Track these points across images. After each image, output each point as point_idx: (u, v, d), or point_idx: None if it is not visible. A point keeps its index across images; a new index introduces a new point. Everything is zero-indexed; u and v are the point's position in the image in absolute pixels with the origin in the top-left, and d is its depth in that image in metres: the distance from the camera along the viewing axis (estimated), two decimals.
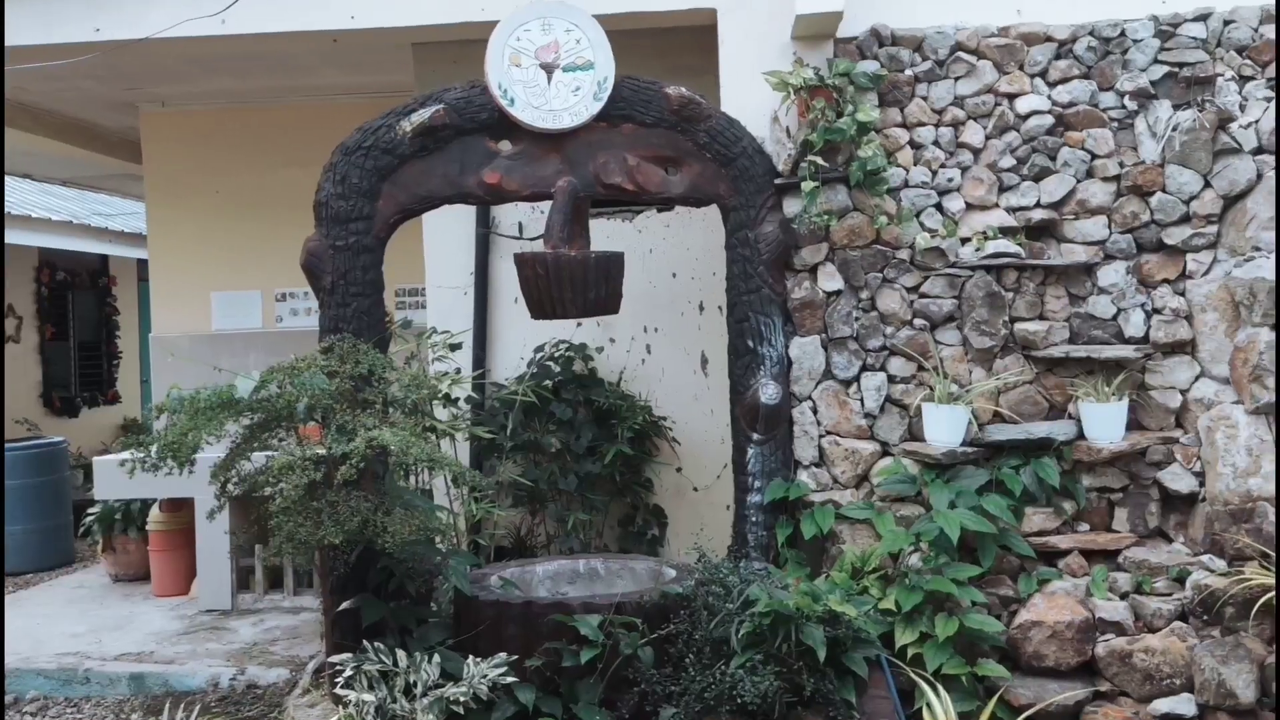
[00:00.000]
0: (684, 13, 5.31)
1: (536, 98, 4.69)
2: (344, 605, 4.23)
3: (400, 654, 3.97)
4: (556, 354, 5.85)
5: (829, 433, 4.93)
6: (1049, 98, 4.89)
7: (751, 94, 5.02)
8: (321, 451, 3.97)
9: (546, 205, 4.81)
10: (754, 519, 4.87)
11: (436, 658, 3.97)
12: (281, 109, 8.21)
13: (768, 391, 4.82)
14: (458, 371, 5.48)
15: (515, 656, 4.00)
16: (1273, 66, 4.69)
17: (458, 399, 5.42)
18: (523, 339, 5.94)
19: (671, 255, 5.99)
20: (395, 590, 4.31)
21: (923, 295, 4.90)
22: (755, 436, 4.88)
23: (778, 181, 4.88)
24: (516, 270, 4.70)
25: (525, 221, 6.04)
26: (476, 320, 6.02)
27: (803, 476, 4.91)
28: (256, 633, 6.50)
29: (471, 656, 3.98)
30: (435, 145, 4.73)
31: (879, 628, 4.27)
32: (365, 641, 4.00)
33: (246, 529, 6.65)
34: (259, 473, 4.09)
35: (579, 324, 5.88)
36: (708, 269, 5.84)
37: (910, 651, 4.30)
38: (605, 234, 5.89)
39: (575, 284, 4.59)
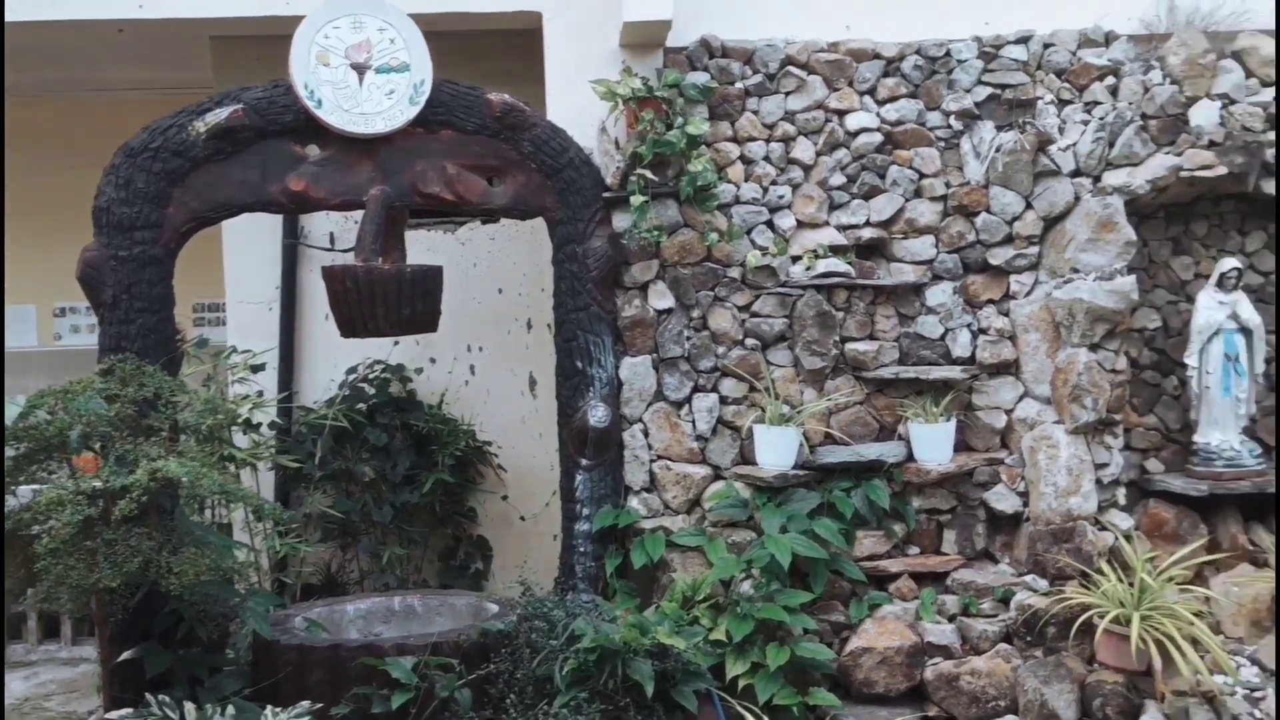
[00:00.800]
0: (508, 15, 5.30)
1: (347, 100, 4.59)
2: (124, 655, 4.01)
3: (189, 707, 3.78)
4: (371, 375, 5.73)
5: (660, 456, 4.98)
6: (878, 115, 5.10)
7: (579, 103, 5.05)
8: (98, 484, 3.76)
9: (360, 215, 4.71)
10: (582, 549, 4.87)
11: (230, 709, 3.80)
12: (61, 104, 7.77)
13: (597, 414, 4.83)
14: (260, 394, 5.29)
15: (320, 704, 3.87)
16: (1090, 90, 5.02)
17: (260, 424, 5.23)
18: (334, 359, 5.79)
19: (497, 270, 5.96)
20: (185, 637, 4.12)
21: (754, 314, 5.02)
22: (584, 461, 4.89)
23: (606, 195, 4.92)
24: (325, 284, 4.58)
25: (338, 232, 5.91)
26: (283, 338, 5.83)
27: (633, 503, 4.94)
28: (28, 687, 6.10)
29: (270, 707, 3.83)
30: (234, 148, 4.57)
31: (710, 659, 4.33)
32: (149, 695, 3.80)
33: (14, 571, 6.22)
34: (24, 509, 3.84)
35: (396, 343, 5.77)
36: (536, 284, 5.83)
37: (742, 683, 4.37)
38: (425, 246, 5.82)
39: (389, 300, 4.51)
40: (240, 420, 4.75)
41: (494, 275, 5.94)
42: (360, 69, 4.61)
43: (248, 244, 5.83)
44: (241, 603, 4.15)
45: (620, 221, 4.93)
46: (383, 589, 5.33)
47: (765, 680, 4.34)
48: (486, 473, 5.88)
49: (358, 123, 4.61)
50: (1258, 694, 4.24)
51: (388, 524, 5.47)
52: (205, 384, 5.15)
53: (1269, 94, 4.90)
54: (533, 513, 5.90)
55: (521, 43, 5.50)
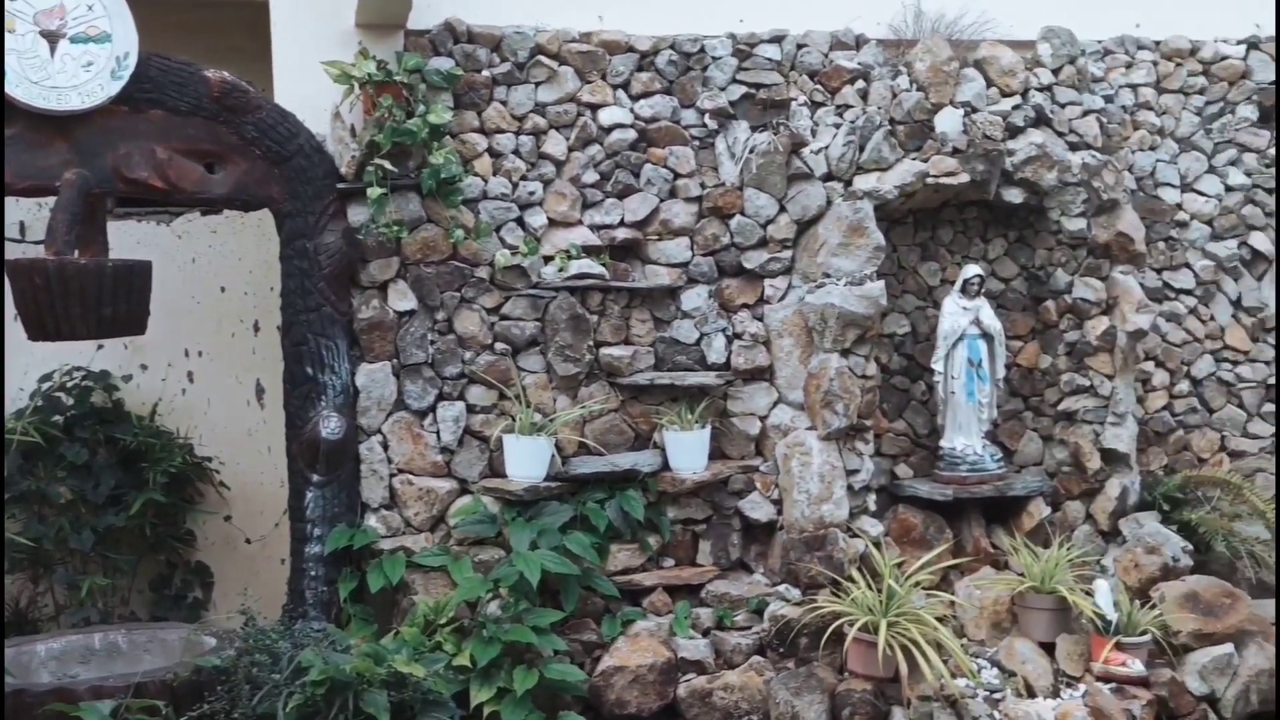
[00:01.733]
0: None
1: (36, 71, 4.30)
2: None
3: None
4: (69, 383, 5.38)
5: (401, 470, 4.91)
6: (632, 111, 5.21)
7: (311, 85, 4.91)
8: None
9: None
10: (313, 572, 4.75)
11: None
12: None
13: (330, 425, 4.72)
14: None
15: None
16: (842, 93, 5.30)
17: None
18: (24, 365, 5.40)
19: (220, 266, 5.72)
20: None
21: (504, 317, 5.03)
22: (316, 477, 4.77)
23: (341, 186, 4.82)
24: (9, 281, 4.27)
25: (30, 221, 5.51)
26: None
27: (371, 521, 4.85)
28: None
29: None
30: None
31: (454, 686, 4.31)
32: None
33: None
34: None
35: (100, 347, 5.45)
36: (264, 283, 5.63)
37: (487, 710, 4.37)
38: (135, 239, 5.52)
39: (86, 298, 4.24)
40: None
41: (216, 272, 5.70)
42: (52, 37, 4.32)
43: None
44: None
45: (356, 215, 4.84)
46: (82, 624, 5.02)
47: (512, 706, 4.35)
48: (207, 491, 5.63)
49: (49, 97, 4.32)
50: (997, 695, 4.58)
51: (88, 551, 5.15)
52: None
53: (1008, 103, 5.31)
54: (260, 534, 5.69)
55: (250, 17, 5.31)
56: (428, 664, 4.20)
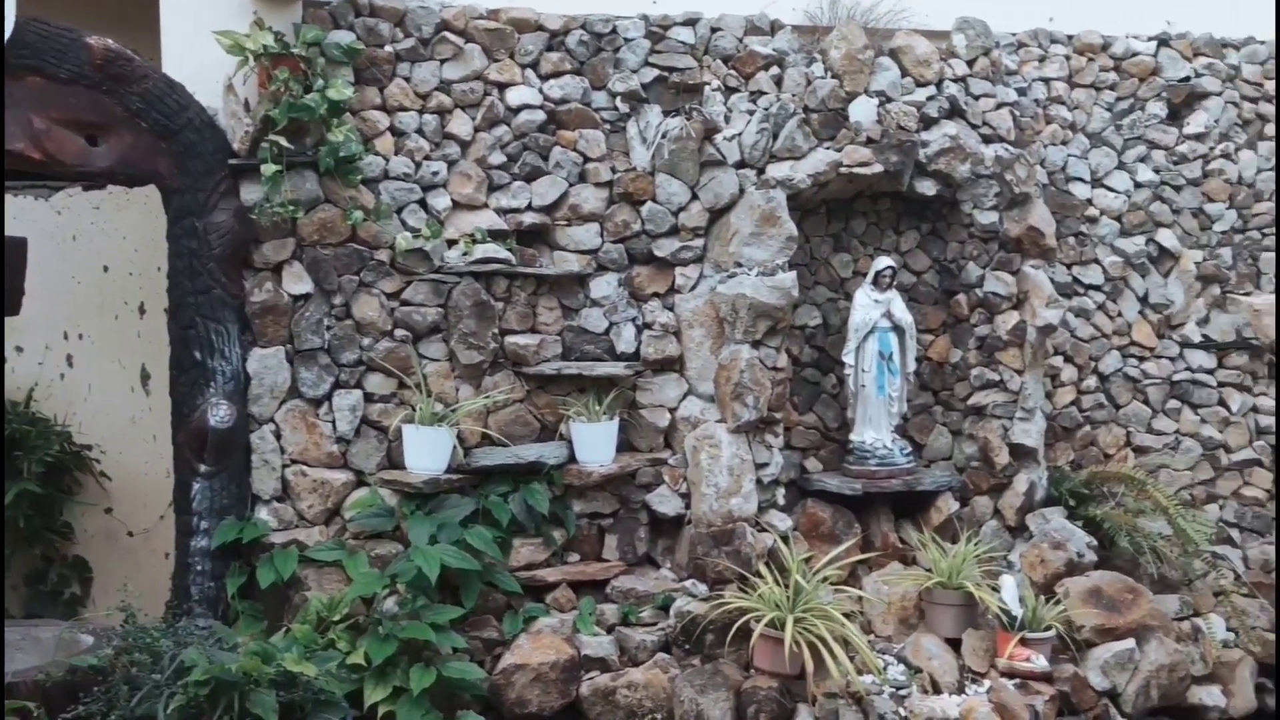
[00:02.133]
0: None
1: None
2: None
3: None
4: None
5: (295, 461, 4.85)
6: (541, 91, 5.20)
7: (202, 56, 4.81)
8: None
9: None
10: (200, 567, 4.68)
11: None
12: None
13: (218, 413, 4.65)
14: None
15: None
16: (756, 79, 5.34)
17: None
18: None
19: (103, 244, 5.58)
20: None
21: (404, 303, 4.98)
22: (203, 468, 4.70)
23: (233, 162, 4.74)
24: None
25: None
26: None
27: (262, 514, 4.79)
28: None
29: None
30: None
31: (347, 686, 4.28)
32: None
33: None
34: None
35: None
36: (151, 262, 5.52)
37: (382, 710, 4.33)
38: (10, 214, 5.36)
39: None
40: None
41: (98, 250, 5.57)
42: None
43: None
44: None
45: (250, 194, 4.76)
46: None
47: (409, 706, 4.32)
48: (86, 481, 5.52)
49: None
50: (903, 692, 4.67)
51: None
52: None
53: (923, 93, 5.41)
54: (144, 527, 5.59)
55: None
56: (320, 663, 4.18)
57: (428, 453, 4.85)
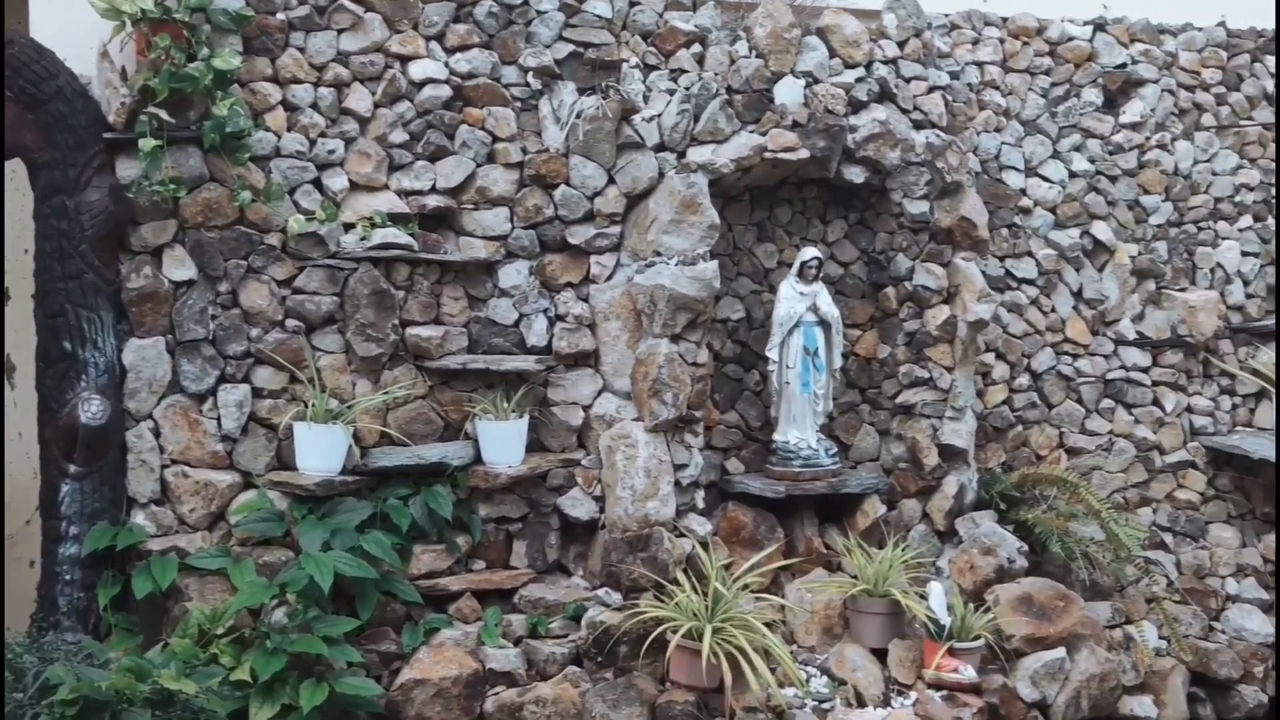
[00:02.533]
0: None
1: None
2: None
3: None
4: None
5: (175, 461, 4.70)
6: (447, 65, 5.07)
7: (75, 19, 4.66)
8: None
9: None
10: (68, 577, 4.52)
11: None
12: None
13: (90, 409, 4.50)
14: None
15: None
16: (677, 56, 5.26)
17: None
18: None
19: None
20: None
21: (297, 291, 4.84)
22: (73, 468, 4.54)
23: (108, 136, 4.59)
24: None
25: None
26: None
27: (139, 518, 4.64)
28: None
29: None
30: None
31: (230, 704, 4.18)
32: None
33: None
34: None
35: None
36: (17, 244, 5.33)
37: None
38: None
39: None
40: None
41: None
42: None
43: None
44: None
45: (126, 170, 4.61)
46: None
47: None
48: None
49: None
50: (826, 705, 4.64)
51: None
52: None
53: (852, 75, 5.37)
54: (9, 533, 5.35)
55: None
56: (201, 679, 4.09)
57: (321, 452, 4.72)
